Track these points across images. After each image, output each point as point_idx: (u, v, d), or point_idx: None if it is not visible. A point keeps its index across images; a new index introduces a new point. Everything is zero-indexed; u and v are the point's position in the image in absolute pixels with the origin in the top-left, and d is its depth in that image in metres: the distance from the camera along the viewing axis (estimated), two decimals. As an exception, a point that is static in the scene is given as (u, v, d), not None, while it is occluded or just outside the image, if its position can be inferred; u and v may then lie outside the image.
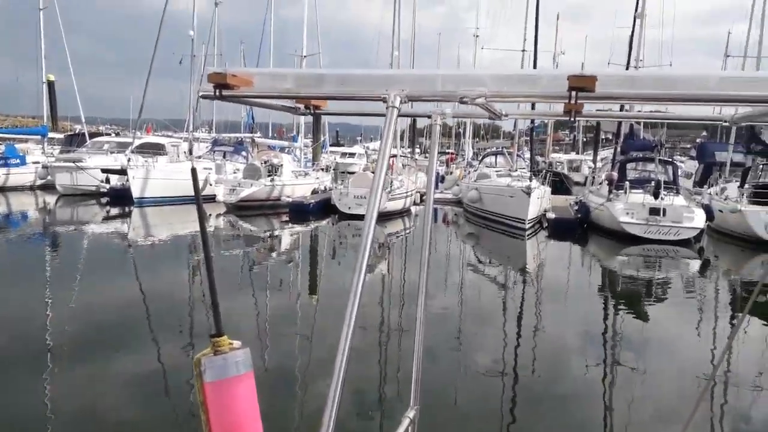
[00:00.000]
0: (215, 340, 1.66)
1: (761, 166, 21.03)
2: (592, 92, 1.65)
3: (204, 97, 2.03)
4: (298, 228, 20.60)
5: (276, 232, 19.90)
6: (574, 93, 1.66)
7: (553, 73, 1.78)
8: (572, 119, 1.90)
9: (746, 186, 19.82)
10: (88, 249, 15.64)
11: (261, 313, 10.09)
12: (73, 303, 10.04)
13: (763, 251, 17.25)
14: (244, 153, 29.30)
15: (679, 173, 22.82)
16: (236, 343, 1.70)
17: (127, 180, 22.54)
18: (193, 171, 1.92)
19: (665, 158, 22.13)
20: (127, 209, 21.80)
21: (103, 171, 24.57)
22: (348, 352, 1.42)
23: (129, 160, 23.45)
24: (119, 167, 24.07)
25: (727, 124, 2.03)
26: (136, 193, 22.21)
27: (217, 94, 1.92)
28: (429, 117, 1.87)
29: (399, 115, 1.78)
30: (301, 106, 2.33)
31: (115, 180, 24.47)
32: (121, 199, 22.65)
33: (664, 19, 27.09)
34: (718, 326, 10.54)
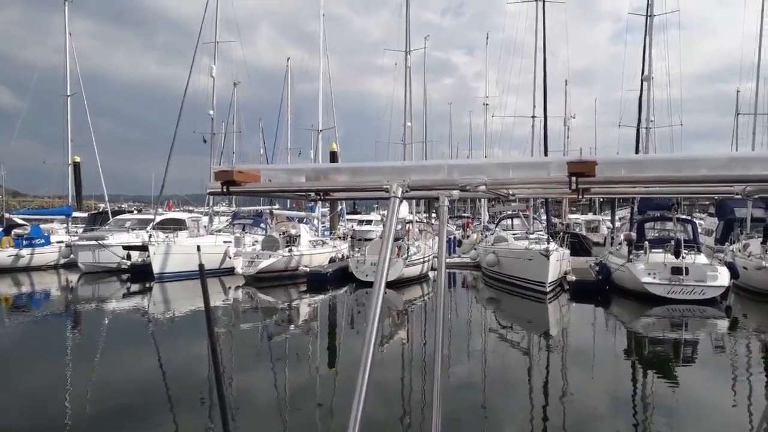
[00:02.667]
0: None
1: (783, 220, 20.79)
2: (592, 176, 1.68)
3: (212, 193, 2.12)
4: (315, 297, 20.55)
5: (294, 303, 19.85)
6: (574, 179, 1.69)
7: (552, 159, 1.83)
8: (579, 199, 1.94)
9: (769, 241, 19.51)
10: (109, 325, 15.69)
11: (279, 386, 9.95)
12: (94, 378, 10.02)
13: (793, 308, 16.78)
14: (262, 225, 29.67)
15: (699, 231, 22.58)
16: None
17: (148, 256, 22.85)
18: (202, 267, 1.97)
19: (683, 216, 21.98)
20: (147, 285, 21.99)
21: (125, 248, 24.97)
22: (360, 422, 1.43)
23: (150, 236, 23.86)
24: (140, 243, 24.46)
25: (739, 197, 2.06)
26: (156, 269, 22.45)
27: (225, 190, 1.99)
28: (437, 199, 1.92)
29: (408, 198, 1.85)
30: (311, 193, 2.42)
31: (136, 256, 24.82)
32: (142, 275, 22.89)
33: (671, 79, 27.43)
34: (754, 388, 10.14)
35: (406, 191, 1.83)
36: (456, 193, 1.87)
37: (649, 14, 25.37)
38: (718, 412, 8.77)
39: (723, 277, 17.59)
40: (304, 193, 2.40)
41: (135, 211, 37.49)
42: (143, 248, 23.74)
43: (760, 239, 20.49)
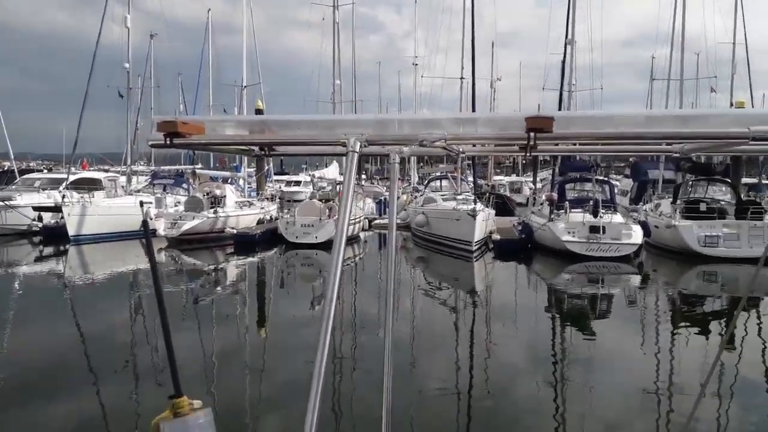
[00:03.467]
0: (174, 402, 1.56)
1: (690, 182, 22.13)
2: (549, 132, 1.68)
3: (154, 146, 1.95)
4: (244, 260, 20.18)
5: (221, 265, 19.43)
6: (532, 134, 1.69)
7: (510, 115, 1.80)
8: (528, 155, 1.94)
9: (678, 201, 20.77)
10: (21, 291, 14.82)
11: (206, 350, 9.75)
12: (4, 350, 9.44)
13: (698, 263, 18.04)
14: (185, 185, 28.63)
15: (615, 191, 23.71)
16: (196, 403, 1.60)
17: (62, 217, 21.58)
18: (144, 224, 1.82)
19: (602, 178, 22.97)
20: (62, 248, 20.83)
21: (35, 209, 23.46)
22: (323, 376, 1.38)
23: (63, 196, 22.48)
24: (53, 204, 23.04)
25: (677, 155, 2.11)
26: (71, 231, 21.25)
27: (168, 142, 1.86)
28: (387, 156, 1.85)
29: (363, 154, 1.77)
30: (255, 147, 2.27)
31: (48, 218, 23.40)
32: (55, 237, 21.64)
33: (593, 45, 28.30)
34: (660, 337, 10.89)
35: (364, 145, 1.75)
36: (407, 150, 1.82)
37: (573, -22, 25.80)
38: (629, 361, 9.35)
39: (637, 236, 18.62)
40: (250, 146, 2.26)
41: (45, 170, 35.26)
42: (56, 209, 22.38)
43: (671, 199, 21.77)
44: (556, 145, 2.01)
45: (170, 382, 1.68)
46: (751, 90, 32.51)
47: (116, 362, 8.83)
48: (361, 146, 1.73)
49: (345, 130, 1.78)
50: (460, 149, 2.01)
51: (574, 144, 2.29)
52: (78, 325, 11.57)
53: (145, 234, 1.89)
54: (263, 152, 2.33)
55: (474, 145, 2.84)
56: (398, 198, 34.43)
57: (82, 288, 15.40)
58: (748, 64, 33.19)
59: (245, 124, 2.06)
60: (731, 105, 32.63)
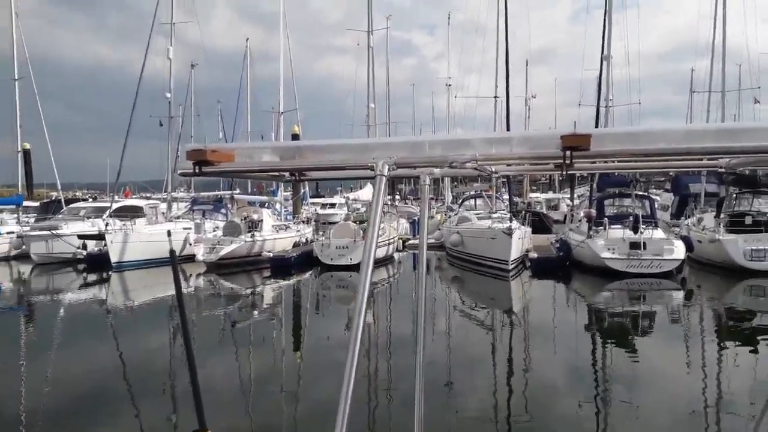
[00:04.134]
0: None
1: (735, 195, 21.44)
2: (587, 150, 1.62)
3: (183, 174, 1.98)
4: (280, 283, 20.34)
5: (258, 289, 19.62)
6: (568, 153, 1.63)
7: (545, 133, 1.76)
8: (564, 174, 1.88)
9: (722, 215, 20.14)
10: (66, 317, 15.23)
11: (244, 373, 9.81)
12: (50, 374, 9.69)
13: (744, 278, 17.39)
14: (223, 210, 29.14)
15: (656, 206, 23.14)
16: None
17: (105, 245, 22.20)
18: (172, 253, 1.84)
19: (641, 193, 22.47)
20: (105, 275, 21.39)
21: (80, 237, 24.19)
22: (351, 397, 1.37)
23: (106, 224, 23.14)
24: (96, 232, 23.73)
25: (723, 170, 2.04)
26: (114, 258, 21.83)
27: (197, 171, 1.87)
28: (418, 177, 1.83)
29: (394, 176, 1.77)
30: (286, 173, 2.29)
31: (92, 246, 24.09)
32: (98, 264, 22.23)
33: (630, 58, 27.86)
34: (706, 356, 10.47)
35: (393, 169, 1.73)
36: (437, 171, 1.79)
37: (607, -8, 25.59)
38: (675, 379, 9.02)
39: (679, 251, 18.09)
40: (280, 173, 2.27)
41: (90, 199, 36.45)
42: (99, 237, 23.03)
43: (714, 213, 21.12)
44: (594, 162, 1.95)
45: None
46: (796, 99, 31.48)
47: (150, 390, 8.91)
48: (389, 169, 1.71)
49: (374, 154, 1.76)
50: (493, 169, 1.96)
51: (612, 161, 2.22)
52: (119, 352, 11.78)
53: (172, 264, 1.92)
54: (294, 177, 2.33)
55: (508, 165, 2.76)
56: (432, 218, 34.34)
57: (122, 314, 15.75)
58: (793, 72, 32.23)
59: (275, 150, 2.07)
60: (775, 114, 31.67)
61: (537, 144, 1.80)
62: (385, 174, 1.70)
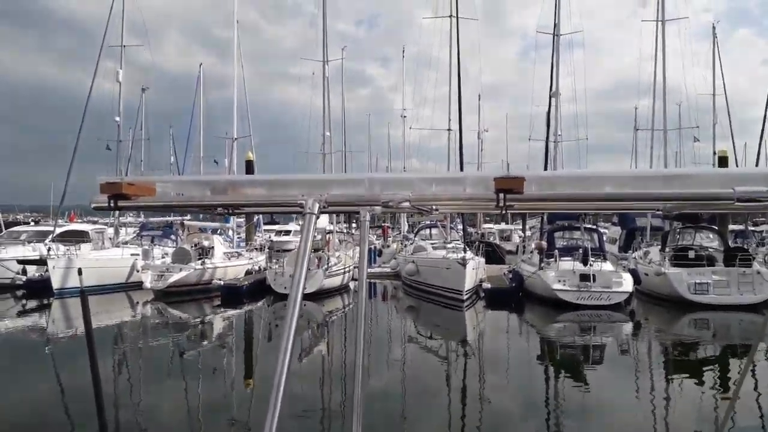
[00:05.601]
0: None
1: (678, 229, 22.27)
2: (520, 194, 1.60)
3: (97, 209, 1.83)
4: (230, 312, 19.83)
5: (207, 318, 19.07)
6: (502, 195, 1.60)
7: (478, 174, 1.75)
8: (503, 212, 1.87)
9: (667, 249, 20.83)
10: (0, 346, 14.39)
11: (192, 404, 9.43)
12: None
13: (689, 311, 17.94)
14: (173, 236, 28.43)
15: (604, 239, 23.79)
16: None
17: (46, 270, 21.24)
18: (82, 294, 1.72)
19: (590, 226, 23.11)
20: (46, 301, 20.41)
21: (19, 262, 23.11)
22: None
23: (49, 249, 22.19)
24: (38, 257, 22.72)
25: (660, 212, 2.08)
26: (56, 284, 20.86)
27: (111, 204, 1.74)
28: (357, 213, 1.77)
29: (326, 212, 1.71)
30: (213, 209, 2.19)
31: (33, 271, 23.02)
32: (39, 291, 21.21)
33: (576, 95, 28.90)
34: (655, 386, 10.69)
35: (324, 207, 1.68)
36: (378, 208, 1.75)
37: (556, 33, 26.66)
38: (624, 409, 9.15)
39: (627, 284, 18.57)
40: (208, 209, 2.16)
41: (32, 222, 34.96)
42: (41, 262, 22.04)
43: (659, 247, 21.83)
44: (531, 202, 1.97)
45: None
46: (732, 139, 33.20)
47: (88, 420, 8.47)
48: (319, 208, 1.66)
49: (304, 190, 1.71)
50: (433, 207, 1.95)
51: (548, 202, 2.24)
52: (58, 381, 11.18)
53: (82, 301, 1.81)
54: (227, 212, 2.22)
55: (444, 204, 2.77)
56: (388, 247, 34.37)
57: (63, 343, 14.99)
58: (729, 114, 34.05)
59: (200, 184, 1.97)
60: (714, 153, 33.27)
61: (471, 185, 1.78)
62: (315, 212, 1.65)
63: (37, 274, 22.62)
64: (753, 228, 33.00)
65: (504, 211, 1.77)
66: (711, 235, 22.13)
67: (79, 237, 25.54)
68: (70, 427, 8.27)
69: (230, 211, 2.21)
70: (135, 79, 33.03)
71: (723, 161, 26.97)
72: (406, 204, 1.70)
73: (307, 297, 20.18)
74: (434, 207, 2.00)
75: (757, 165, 29.06)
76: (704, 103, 35.26)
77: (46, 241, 23.88)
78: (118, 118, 28.16)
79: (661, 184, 1.73)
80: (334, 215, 27.74)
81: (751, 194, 1.55)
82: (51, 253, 21.64)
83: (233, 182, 1.96)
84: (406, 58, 43.91)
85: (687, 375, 11.52)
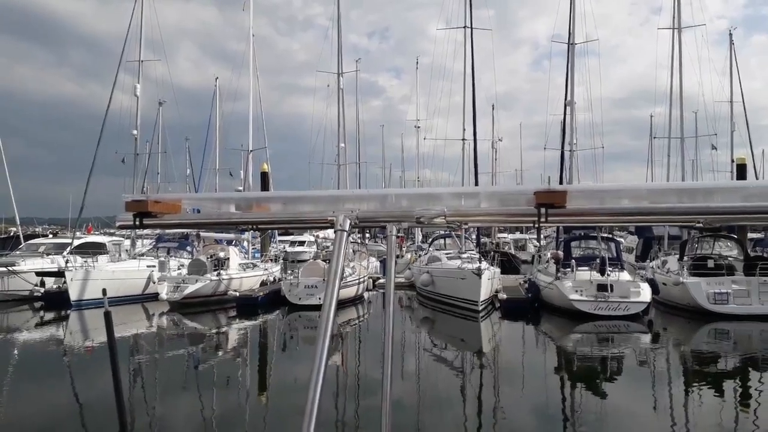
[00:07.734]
0: None
1: (696, 238, 21.98)
2: (563, 207, 1.54)
3: (122, 227, 1.80)
4: (246, 323, 19.87)
5: (223, 329, 19.11)
6: (543, 210, 1.54)
7: (517, 189, 1.70)
8: (536, 226, 1.83)
9: (685, 258, 20.55)
10: (20, 357, 14.53)
11: (207, 415, 9.43)
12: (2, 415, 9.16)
13: (708, 321, 17.65)
14: (189, 248, 28.61)
15: (621, 248, 23.51)
16: None
17: (64, 282, 21.47)
18: (107, 315, 1.72)
19: (606, 235, 22.88)
20: (63, 313, 20.59)
21: (38, 274, 23.38)
22: None
23: (67, 261, 22.43)
24: (56, 269, 22.98)
25: (701, 225, 2.04)
26: (73, 296, 21.08)
27: (137, 222, 1.72)
28: (384, 228, 1.74)
29: (354, 227, 1.67)
30: (240, 226, 2.18)
31: (51, 283, 23.28)
32: (57, 302, 21.42)
33: (591, 104, 28.75)
34: (674, 397, 10.50)
35: (356, 223, 1.65)
36: (406, 225, 1.71)
37: (570, 42, 26.54)
38: (643, 422, 8.99)
39: (645, 293, 18.33)
40: (233, 226, 2.16)
41: (50, 235, 35.34)
42: (59, 274, 22.29)
43: (677, 256, 21.55)
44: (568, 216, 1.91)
45: None
46: (751, 146, 32.78)
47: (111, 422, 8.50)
48: (351, 224, 1.63)
49: (336, 207, 1.68)
50: (467, 222, 1.89)
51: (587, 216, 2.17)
52: (74, 394, 11.25)
53: (106, 322, 1.81)
54: (253, 228, 2.20)
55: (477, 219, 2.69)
56: (402, 257, 34.31)
57: (81, 355, 15.09)
58: (747, 120, 33.66)
59: (228, 200, 1.94)
60: (732, 161, 32.86)
61: (508, 200, 1.73)
62: (346, 229, 1.62)
63: (55, 286, 22.87)
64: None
65: (538, 227, 1.73)
66: (730, 244, 21.81)
67: (96, 249, 25.81)
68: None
69: (254, 228, 2.19)
70: (152, 93, 33.28)
71: (741, 169, 26.61)
72: (441, 219, 1.66)
73: (320, 308, 20.15)
74: (467, 222, 1.95)
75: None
76: (721, 110, 34.90)
77: (64, 253, 24.15)
78: (135, 132, 28.52)
79: (702, 197, 1.68)
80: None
81: None
82: (69, 265, 21.88)
83: (257, 198, 1.94)
84: (419, 69, 44.08)
85: (707, 387, 11.30)
